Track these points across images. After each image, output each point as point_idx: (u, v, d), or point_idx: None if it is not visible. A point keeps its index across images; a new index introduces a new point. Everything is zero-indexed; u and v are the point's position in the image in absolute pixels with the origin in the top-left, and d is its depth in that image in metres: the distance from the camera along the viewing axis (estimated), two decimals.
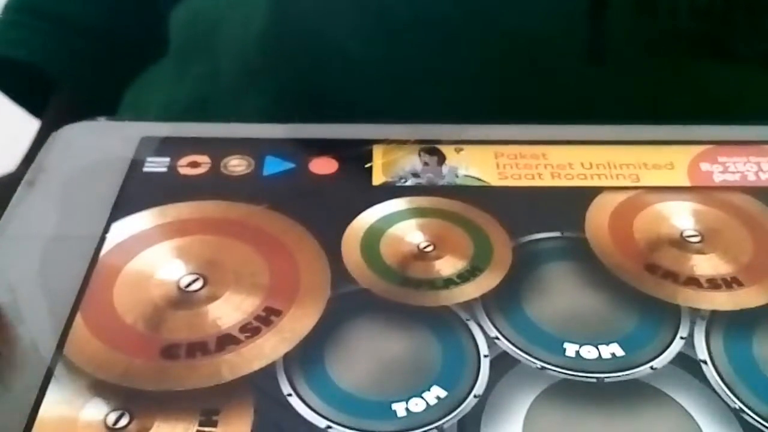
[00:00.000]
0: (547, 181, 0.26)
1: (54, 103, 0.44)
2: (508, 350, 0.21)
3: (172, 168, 0.26)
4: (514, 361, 0.20)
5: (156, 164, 0.26)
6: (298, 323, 0.21)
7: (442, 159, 0.26)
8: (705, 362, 0.20)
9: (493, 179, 0.26)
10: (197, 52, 0.38)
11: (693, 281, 0.23)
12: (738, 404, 0.19)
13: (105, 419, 0.19)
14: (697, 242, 0.24)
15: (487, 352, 0.20)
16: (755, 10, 0.32)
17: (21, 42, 0.42)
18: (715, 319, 0.21)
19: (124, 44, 0.43)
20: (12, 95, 0.45)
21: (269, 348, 0.20)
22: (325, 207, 0.25)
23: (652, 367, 0.20)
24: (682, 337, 0.21)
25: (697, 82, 0.33)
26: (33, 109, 0.46)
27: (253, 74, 0.35)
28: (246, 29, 0.36)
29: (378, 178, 0.26)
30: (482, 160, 0.26)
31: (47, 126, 0.44)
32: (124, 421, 0.19)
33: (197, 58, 0.38)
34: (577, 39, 0.32)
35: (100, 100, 0.42)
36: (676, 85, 0.33)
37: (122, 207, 0.24)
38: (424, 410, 0.19)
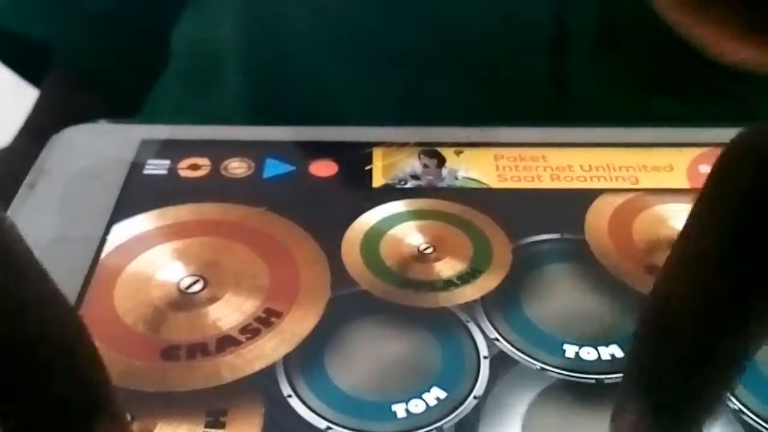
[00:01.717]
0: (546, 184, 0.26)
1: (52, 72, 0.44)
2: (508, 351, 0.21)
3: (172, 170, 0.26)
4: (513, 362, 0.20)
5: (156, 166, 0.26)
6: (298, 325, 0.21)
7: (441, 161, 0.26)
8: None
9: (493, 181, 0.26)
10: (197, 83, 0.39)
11: None
12: (737, 405, 0.19)
13: None
14: None
15: (486, 353, 0.21)
16: None
17: (23, 14, 0.42)
18: None
19: (132, 31, 0.43)
20: (10, 65, 0.46)
21: (269, 349, 0.20)
22: (325, 209, 0.25)
23: None
24: None
25: (656, 114, 0.33)
26: (30, 77, 0.46)
27: (234, 97, 0.36)
28: (228, 54, 0.37)
29: (378, 181, 0.26)
30: (482, 163, 0.26)
31: (45, 96, 0.44)
32: None
33: (199, 91, 0.39)
34: (540, 69, 0.33)
35: (102, 81, 0.42)
36: (636, 117, 0.33)
37: (123, 209, 0.24)
38: (424, 411, 0.19)
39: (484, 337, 0.21)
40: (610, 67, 0.33)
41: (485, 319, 0.21)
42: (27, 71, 0.46)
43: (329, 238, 0.23)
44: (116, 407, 0.14)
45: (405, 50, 0.34)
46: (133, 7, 0.42)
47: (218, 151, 0.26)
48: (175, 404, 0.19)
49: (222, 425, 0.19)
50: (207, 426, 0.19)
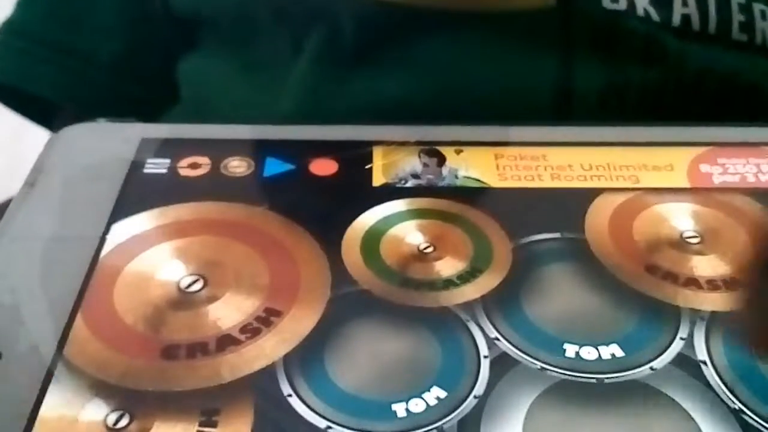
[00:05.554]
0: (547, 183, 0.26)
1: (65, 116, 0.44)
2: (508, 351, 0.21)
3: (172, 169, 0.26)
4: (514, 362, 0.20)
5: (156, 165, 0.26)
6: (298, 324, 0.21)
7: (442, 160, 0.26)
8: (705, 363, 0.20)
9: (493, 180, 0.26)
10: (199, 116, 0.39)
11: (693, 282, 0.23)
12: (737, 405, 0.19)
13: (105, 420, 0.19)
14: (697, 243, 0.24)
15: (487, 353, 0.21)
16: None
17: (33, 73, 0.42)
18: (714, 320, 0.21)
19: (142, 74, 0.43)
20: (24, 112, 0.46)
21: (269, 348, 0.20)
22: (325, 208, 0.25)
23: (651, 368, 0.20)
24: (681, 338, 0.21)
25: None
26: (43, 123, 0.46)
27: None
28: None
29: (378, 180, 0.26)
30: (482, 162, 0.26)
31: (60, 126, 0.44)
32: (124, 422, 0.19)
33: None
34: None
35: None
36: None
37: (122, 208, 0.24)
38: (424, 411, 0.19)
39: (484, 336, 0.21)
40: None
41: (485, 318, 0.21)
42: (39, 119, 0.46)
43: (329, 237, 0.23)
44: None
45: (404, 108, 0.34)
46: (142, 52, 0.42)
47: (218, 149, 0.26)
48: (173, 403, 0.19)
49: (214, 424, 0.19)
50: (201, 425, 0.19)
